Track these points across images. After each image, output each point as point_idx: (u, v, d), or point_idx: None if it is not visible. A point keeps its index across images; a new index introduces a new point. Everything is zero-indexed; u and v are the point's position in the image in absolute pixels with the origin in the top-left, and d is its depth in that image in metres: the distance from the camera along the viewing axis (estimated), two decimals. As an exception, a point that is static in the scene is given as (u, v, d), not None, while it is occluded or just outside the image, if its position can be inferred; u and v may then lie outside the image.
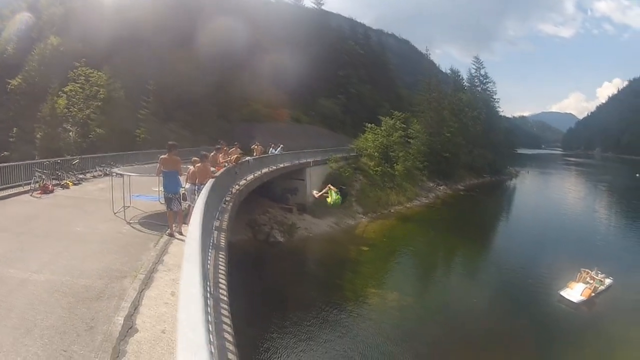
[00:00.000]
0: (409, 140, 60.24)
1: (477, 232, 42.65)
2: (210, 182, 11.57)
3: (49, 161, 21.13)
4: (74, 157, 25.18)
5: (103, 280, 7.90)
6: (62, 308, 6.66)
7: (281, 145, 33.21)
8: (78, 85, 42.10)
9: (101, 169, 24.27)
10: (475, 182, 73.70)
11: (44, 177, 18.50)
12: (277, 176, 30.23)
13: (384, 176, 50.60)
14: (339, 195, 17.05)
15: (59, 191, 17.95)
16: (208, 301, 5.47)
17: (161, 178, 11.77)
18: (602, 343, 19.63)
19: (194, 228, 6.41)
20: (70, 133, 40.72)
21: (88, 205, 15.28)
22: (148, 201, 15.46)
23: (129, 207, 13.57)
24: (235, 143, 22.11)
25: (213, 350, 4.26)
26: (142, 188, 16.09)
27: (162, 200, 12.36)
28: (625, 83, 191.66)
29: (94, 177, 23.10)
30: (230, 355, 5.32)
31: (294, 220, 35.05)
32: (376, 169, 50.52)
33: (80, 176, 22.00)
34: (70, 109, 41.69)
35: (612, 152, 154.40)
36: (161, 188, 12.18)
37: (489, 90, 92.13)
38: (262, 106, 51.49)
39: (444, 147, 66.13)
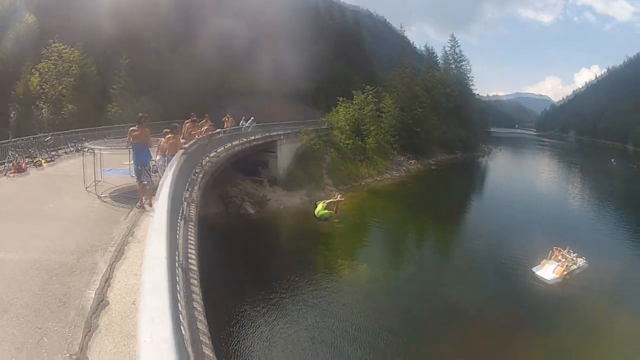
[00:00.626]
0: (380, 115, 60.03)
1: (448, 207, 43.07)
2: (179, 154, 11.42)
3: (22, 140, 20.66)
4: (47, 134, 24.72)
5: (75, 255, 7.86)
6: (36, 286, 6.64)
7: (252, 118, 32.97)
8: (51, 62, 40.95)
9: (73, 145, 23.88)
10: (447, 158, 74.15)
11: (17, 156, 18.15)
12: (248, 149, 29.99)
13: (355, 150, 50.75)
14: (325, 211, 16.91)
15: (32, 170, 17.53)
16: (177, 271, 5.46)
17: (131, 151, 11.63)
18: (574, 324, 19.86)
19: (162, 197, 6.38)
20: (43, 110, 39.76)
21: (60, 183, 15.08)
22: (119, 175, 15.26)
23: (100, 181, 13.45)
24: (206, 115, 21.71)
25: (182, 320, 4.30)
26: (114, 162, 15.82)
27: (133, 174, 12.18)
28: (604, 71, 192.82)
29: (66, 153, 22.64)
30: (199, 325, 5.35)
31: (265, 193, 35.08)
32: (347, 142, 50.67)
33: (53, 153, 21.62)
34: (43, 87, 40.68)
35: (588, 136, 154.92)
36: (132, 161, 11.99)
37: (463, 69, 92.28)
38: (234, 80, 50.93)
39: (416, 122, 66.29)
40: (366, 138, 53.46)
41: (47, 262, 7.54)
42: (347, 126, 52.19)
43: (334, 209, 17.86)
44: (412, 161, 63.34)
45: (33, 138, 22.15)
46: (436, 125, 73.16)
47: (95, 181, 13.24)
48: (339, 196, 17.36)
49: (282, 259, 25.32)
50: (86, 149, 14.82)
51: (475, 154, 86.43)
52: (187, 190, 11.83)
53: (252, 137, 31.17)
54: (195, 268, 7.24)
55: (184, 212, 9.61)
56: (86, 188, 13.19)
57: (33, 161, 18.88)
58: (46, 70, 41.02)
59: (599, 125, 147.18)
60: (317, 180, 40.63)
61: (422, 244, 32.96)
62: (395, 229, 35.25)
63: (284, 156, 39.03)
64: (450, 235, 34.63)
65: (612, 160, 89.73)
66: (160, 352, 2.43)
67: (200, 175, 14.74)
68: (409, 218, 38.41)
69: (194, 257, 7.71)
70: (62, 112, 39.40)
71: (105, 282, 6.73)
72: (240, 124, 31.23)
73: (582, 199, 53.12)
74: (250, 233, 28.04)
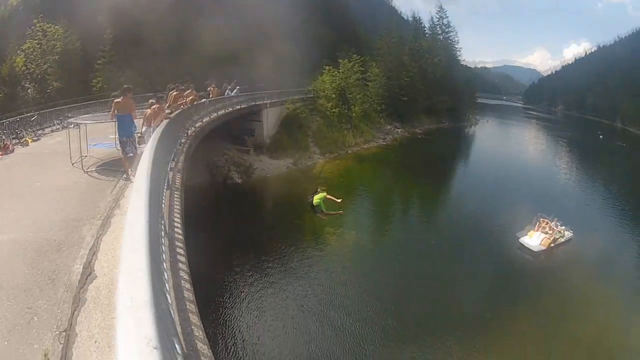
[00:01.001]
0: (367, 83, 59.69)
1: (435, 175, 43.10)
2: (164, 123, 11.20)
3: (7, 120, 20.39)
4: (32, 113, 24.41)
5: (62, 231, 7.72)
6: (25, 265, 6.51)
7: (238, 87, 32.28)
8: (36, 41, 40.35)
9: (59, 121, 23.53)
10: (434, 127, 73.90)
11: (3, 137, 17.90)
12: (233, 117, 29.77)
13: (341, 117, 50.57)
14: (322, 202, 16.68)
15: (18, 149, 17.14)
16: (162, 240, 5.36)
17: (116, 122, 11.41)
18: (558, 294, 20.12)
19: (144, 162, 6.14)
20: (29, 90, 39.21)
21: (47, 160, 14.76)
22: (105, 149, 15.06)
23: (86, 156, 13.16)
24: (191, 85, 21.30)
25: (167, 288, 4.15)
26: (99, 136, 15.62)
27: (119, 147, 11.96)
28: (594, 48, 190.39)
29: (53, 131, 22.27)
30: (186, 293, 5.23)
31: (251, 161, 35.05)
32: (333, 110, 50.38)
33: (39, 132, 21.29)
34: (28, 67, 40.06)
35: (576, 111, 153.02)
36: (117, 133, 11.83)
37: (450, 39, 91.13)
38: (219, 48, 50.23)
39: (403, 90, 65.79)
40: (352, 106, 53.15)
41: (36, 240, 7.39)
42: (333, 94, 51.60)
43: (327, 210, 17.50)
44: (399, 129, 63.23)
45: (19, 118, 21.89)
46: (423, 94, 72.55)
47: (81, 156, 12.94)
48: (339, 201, 17.18)
49: (269, 226, 25.34)
50: (71, 125, 14.51)
51: (462, 123, 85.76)
52: (173, 160, 11.59)
53: (238, 107, 30.86)
54: (181, 236, 7.10)
55: (170, 181, 9.44)
56: (72, 163, 12.88)
57: (20, 141, 18.64)
58: (31, 50, 40.40)
59: (587, 100, 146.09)
60: (303, 148, 40.65)
61: (408, 210, 33.20)
62: (381, 195, 35.41)
63: (270, 124, 38.88)
64: (436, 202, 34.91)
65: (600, 135, 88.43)
66: (139, 315, 2.22)
67: (186, 146, 14.50)
68: (396, 185, 38.54)
69: (179, 225, 7.57)
70: (48, 90, 38.91)
71: (93, 255, 6.62)
72: (225, 93, 30.80)
73: (569, 172, 52.92)
74: (237, 201, 28.01)
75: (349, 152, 47.24)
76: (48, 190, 10.59)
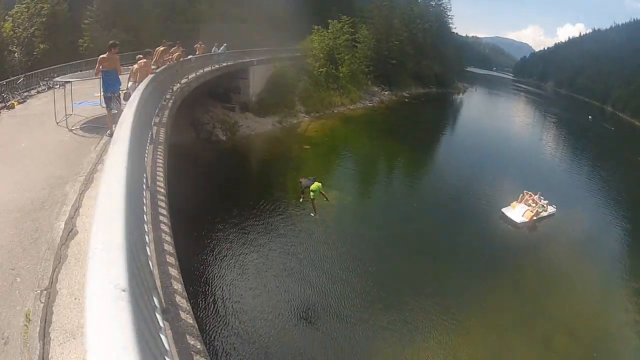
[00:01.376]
0: (355, 44, 58.96)
1: (420, 140, 43.10)
2: (149, 77, 10.88)
3: (-6, 85, 19.83)
4: (18, 76, 23.89)
5: (46, 190, 7.55)
6: (10, 226, 6.29)
7: (225, 44, 31.89)
8: (23, 5, 39.74)
9: (45, 83, 23.10)
10: (421, 92, 73.57)
11: (-11, 103, 17.35)
12: (220, 75, 29.09)
13: (329, 77, 50.07)
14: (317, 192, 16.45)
15: (4, 113, 16.75)
16: (144, 193, 5.18)
17: (101, 79, 11.12)
18: (539, 267, 20.20)
19: (127, 112, 5.75)
20: (16, 54, 38.76)
21: (32, 121, 14.32)
22: (90, 107, 14.77)
23: (71, 115, 12.84)
24: (178, 42, 20.90)
25: (147, 241, 3.98)
26: (84, 95, 15.39)
27: (104, 104, 11.70)
28: (589, 30, 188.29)
29: (39, 92, 21.60)
30: (166, 246, 5.08)
31: (236, 119, 34.58)
32: (321, 70, 49.79)
33: (25, 94, 20.69)
34: (16, 31, 39.57)
35: (566, 89, 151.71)
36: (102, 90, 11.56)
37: (443, 7, 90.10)
38: (206, 7, 49.20)
39: (392, 54, 65.21)
40: (340, 67, 52.61)
41: (20, 200, 7.18)
42: (321, 54, 50.94)
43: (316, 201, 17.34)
44: (386, 92, 62.95)
45: (5, 82, 21.40)
46: (412, 59, 72.08)
47: (66, 115, 12.61)
48: (327, 201, 17.14)
49: (252, 184, 25.11)
50: (57, 85, 14.19)
51: (450, 90, 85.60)
52: (157, 115, 11.32)
53: (225, 64, 30.28)
54: (163, 190, 6.96)
55: (154, 136, 9.20)
56: (57, 123, 12.58)
57: (6, 105, 18.23)
58: (19, 15, 39.90)
59: (579, 80, 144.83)
60: (289, 107, 40.32)
61: (393, 174, 33.03)
62: (366, 157, 35.15)
63: (256, 82, 38.25)
64: (422, 168, 34.75)
65: (589, 116, 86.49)
66: (109, 257, 1.97)
67: (171, 102, 14.17)
68: (381, 148, 38.26)
69: (162, 180, 7.41)
70: (35, 52, 38.31)
71: (75, 212, 6.46)
72: (212, 50, 30.27)
73: (556, 149, 52.37)
74: (221, 159, 27.63)
75: (335, 112, 47.00)
76: (32, 151, 10.31)
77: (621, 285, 20.17)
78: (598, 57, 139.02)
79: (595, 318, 17.17)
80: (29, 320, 4.31)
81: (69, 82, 13.54)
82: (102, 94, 11.81)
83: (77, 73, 19.33)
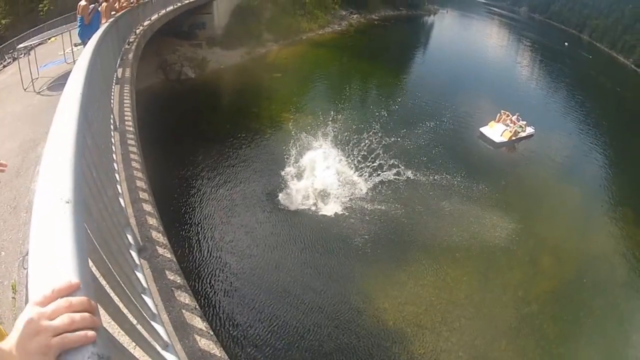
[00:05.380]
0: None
1: (393, 62, 41.39)
2: (110, 21, 10.16)
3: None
4: (-18, 55, 22.77)
5: (20, 156, 7.54)
6: None
7: None
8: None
9: (9, 55, 22.27)
10: (391, 14, 69.73)
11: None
12: (183, 12, 27.36)
13: (295, 3, 47.58)
14: None
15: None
16: (112, 133, 5.08)
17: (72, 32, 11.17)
18: (518, 189, 19.74)
19: (86, 48, 5.15)
20: (-23, 34, 36.63)
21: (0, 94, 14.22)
22: (55, 66, 14.34)
23: (37, 78, 12.53)
24: None
25: (118, 178, 3.98)
26: (49, 57, 14.90)
27: (69, 60, 11.61)
28: None
29: (4, 66, 20.77)
30: (139, 183, 4.93)
31: (204, 54, 32.68)
32: (285, -5, 47.29)
33: (-9, 71, 20.08)
34: (-25, 11, 37.03)
35: (540, 14, 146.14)
36: (67, 50, 11.91)
37: None
38: None
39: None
40: (306, -8, 50.26)
41: (-4, 171, 7.09)
42: (284, -21, 48.29)
43: None
44: (355, 15, 60.34)
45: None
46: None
47: (32, 80, 12.27)
48: None
49: (226, 117, 24.00)
50: (21, 53, 14.15)
51: (421, 12, 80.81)
52: (122, 58, 10.67)
53: (187, 1, 28.02)
54: (132, 129, 6.63)
55: (118, 77, 8.75)
56: (25, 89, 12.16)
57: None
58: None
59: (554, 7, 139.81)
60: (257, 36, 38.38)
61: (366, 96, 31.89)
62: (338, 81, 33.81)
63: (221, 15, 36.34)
64: (396, 88, 33.60)
65: (565, 43, 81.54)
66: (57, 171, 1.68)
67: (135, 45, 13.24)
68: (353, 70, 37.02)
69: (130, 119, 7.09)
70: (-1, 30, 36.17)
71: (49, 170, 6.40)
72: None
73: (533, 72, 50.36)
74: (192, 96, 25.96)
75: (304, 38, 44.74)
76: (2, 121, 10.09)
77: (604, 207, 20.28)
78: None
79: (580, 240, 17.19)
80: (16, 291, 4.35)
81: (31, 46, 13.45)
82: (66, 51, 11.59)
83: (37, 35, 18.42)
